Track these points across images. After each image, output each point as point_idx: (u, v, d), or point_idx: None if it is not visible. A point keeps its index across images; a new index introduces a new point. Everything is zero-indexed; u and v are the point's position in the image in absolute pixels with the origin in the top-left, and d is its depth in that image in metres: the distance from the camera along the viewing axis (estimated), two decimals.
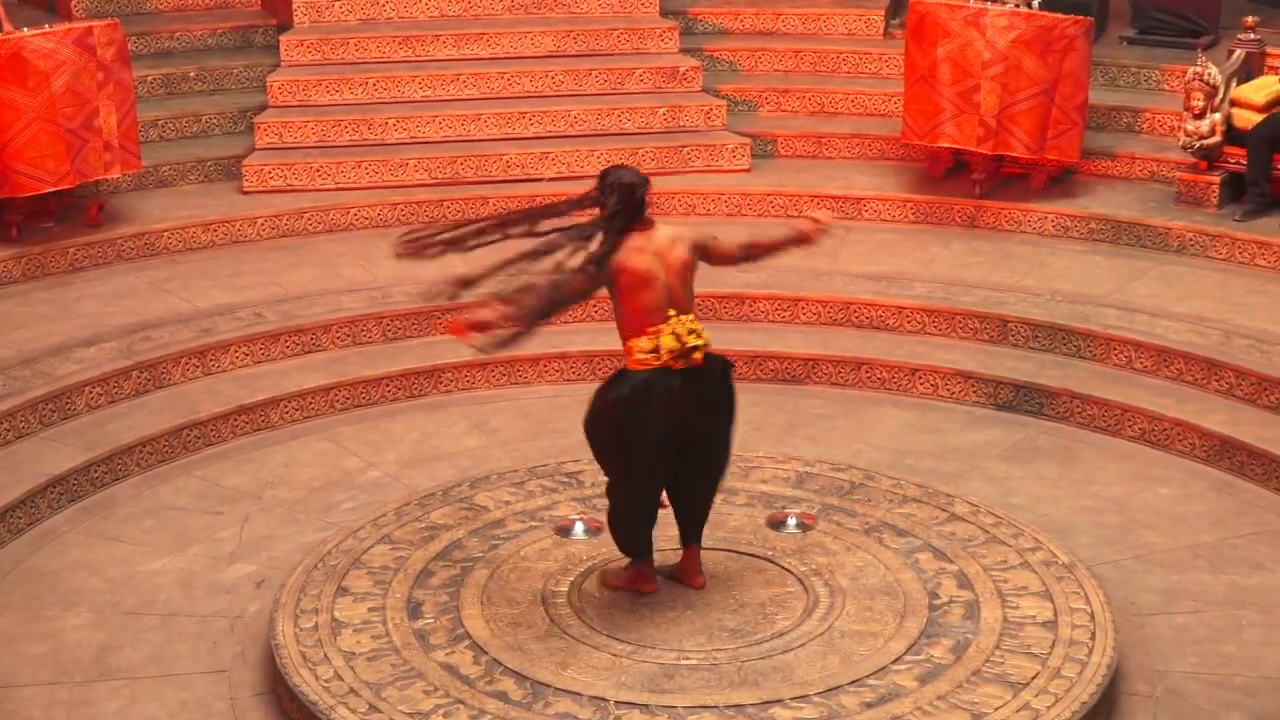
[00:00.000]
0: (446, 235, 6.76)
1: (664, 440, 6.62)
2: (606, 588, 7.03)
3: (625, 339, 6.65)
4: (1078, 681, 6.43)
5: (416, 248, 6.78)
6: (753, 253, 6.90)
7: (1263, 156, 10.35)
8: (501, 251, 6.62)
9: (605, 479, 6.92)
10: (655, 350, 6.55)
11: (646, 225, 6.61)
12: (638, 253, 6.54)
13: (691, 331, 6.55)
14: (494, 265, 6.53)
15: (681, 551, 7.05)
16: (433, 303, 6.77)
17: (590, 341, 9.40)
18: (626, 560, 7.04)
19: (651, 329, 6.55)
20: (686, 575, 7.03)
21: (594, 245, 6.54)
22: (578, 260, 6.52)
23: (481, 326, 6.36)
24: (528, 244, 6.59)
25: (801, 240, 6.87)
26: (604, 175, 6.66)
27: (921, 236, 10.77)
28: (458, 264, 6.79)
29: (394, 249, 6.88)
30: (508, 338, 6.39)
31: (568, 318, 9.73)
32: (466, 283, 6.58)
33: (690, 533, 7.01)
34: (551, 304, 6.48)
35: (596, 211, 6.62)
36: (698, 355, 6.60)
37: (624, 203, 6.55)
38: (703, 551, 7.10)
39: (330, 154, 11.18)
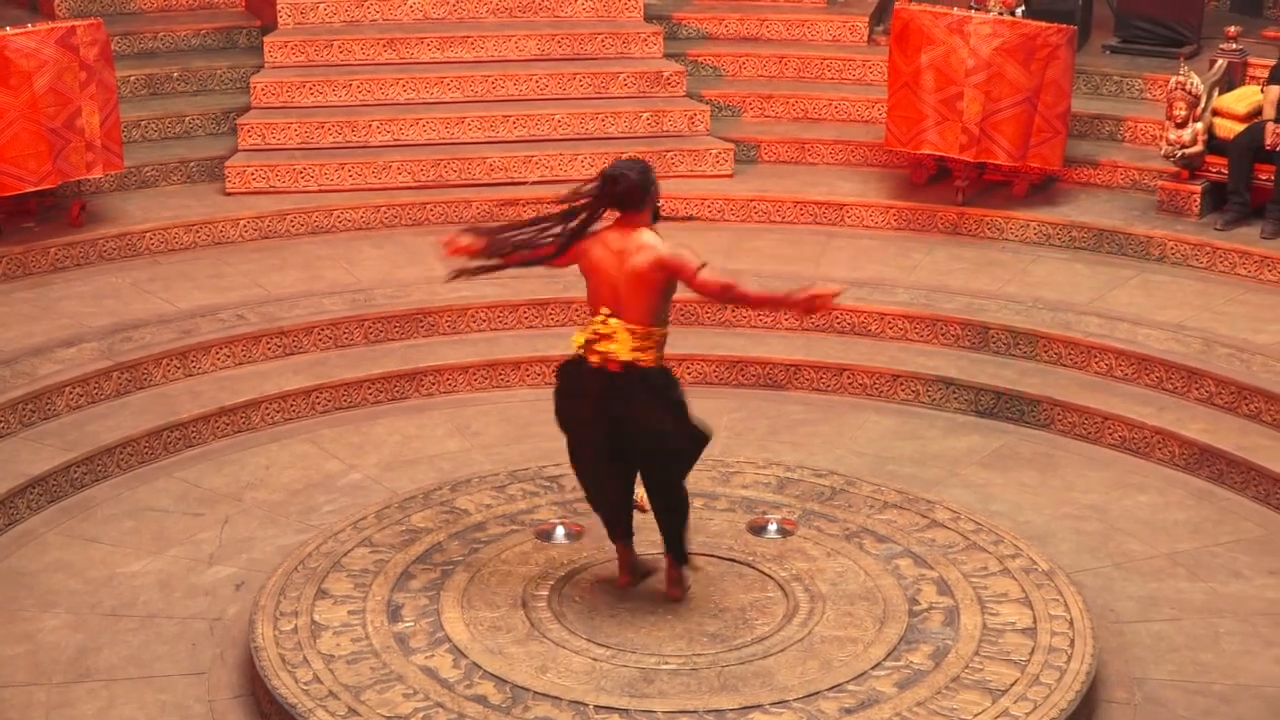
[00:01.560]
0: (486, 241, 6.80)
1: (582, 425, 6.78)
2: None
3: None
4: (1056, 688, 6.45)
5: (467, 264, 6.83)
6: (737, 299, 6.73)
7: (1244, 166, 10.38)
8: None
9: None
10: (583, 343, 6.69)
11: (629, 224, 6.62)
12: (601, 244, 6.61)
13: (603, 337, 6.58)
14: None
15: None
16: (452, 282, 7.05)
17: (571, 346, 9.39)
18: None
19: (590, 321, 6.65)
20: (664, 584, 7.06)
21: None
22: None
23: (466, 249, 6.73)
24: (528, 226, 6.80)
25: (798, 307, 6.56)
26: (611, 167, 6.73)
27: (904, 243, 10.78)
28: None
29: (448, 273, 6.91)
30: (480, 263, 6.78)
31: (551, 319, 9.78)
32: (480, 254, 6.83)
33: (665, 542, 7.01)
34: (520, 243, 6.73)
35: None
36: (594, 358, 6.62)
37: (601, 189, 6.62)
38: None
39: (313, 156, 11.17)
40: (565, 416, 6.89)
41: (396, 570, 7.23)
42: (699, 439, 6.81)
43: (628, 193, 6.60)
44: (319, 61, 11.74)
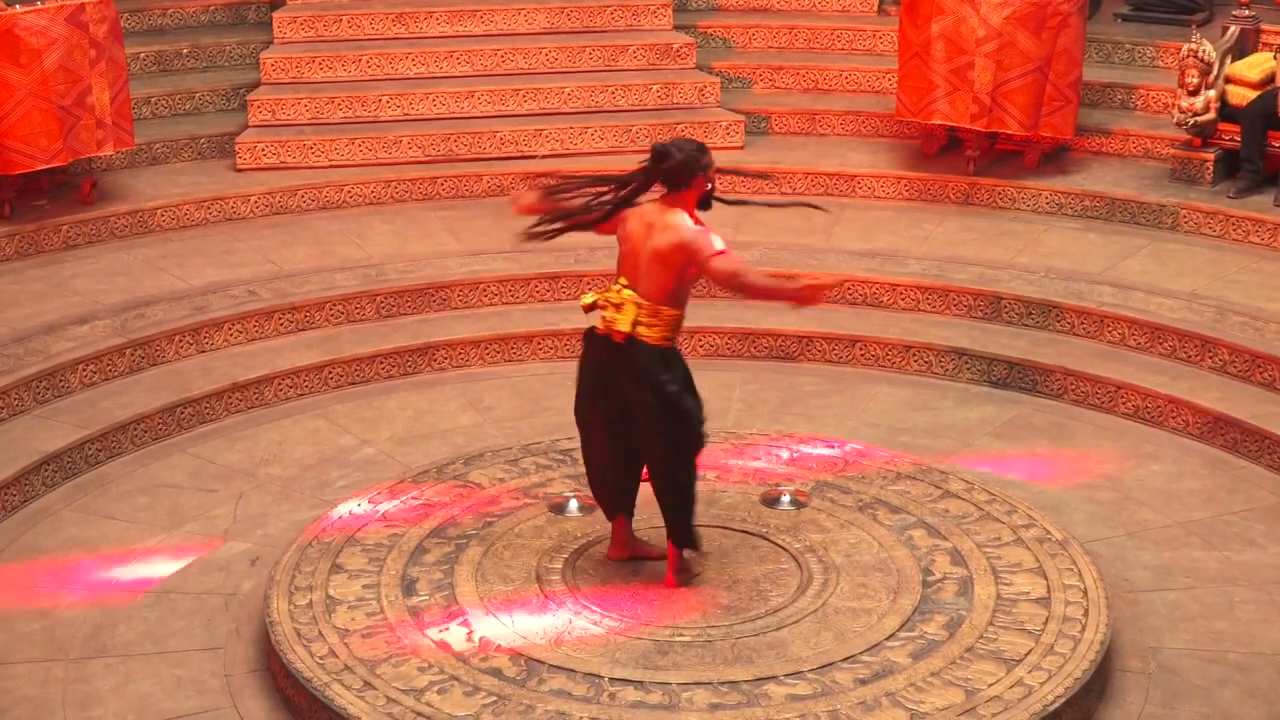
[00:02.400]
0: (549, 204, 6.87)
1: (585, 392, 6.82)
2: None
3: None
4: (1071, 658, 6.45)
5: (536, 226, 6.85)
6: (741, 287, 6.69)
7: (1257, 133, 10.34)
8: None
9: None
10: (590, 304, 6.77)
11: (670, 202, 6.62)
12: (638, 216, 6.64)
13: (611, 305, 6.63)
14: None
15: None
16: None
17: (585, 319, 9.38)
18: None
19: (607, 286, 6.71)
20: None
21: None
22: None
23: (531, 208, 6.82)
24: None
25: (797, 299, 6.74)
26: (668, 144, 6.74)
27: (915, 213, 10.76)
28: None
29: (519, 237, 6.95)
30: (544, 228, 6.80)
31: (563, 293, 9.78)
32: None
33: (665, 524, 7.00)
34: (576, 209, 6.78)
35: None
36: (599, 324, 6.70)
37: (649, 163, 6.66)
38: (697, 528, 7.12)
39: (323, 131, 11.16)
40: (578, 382, 6.91)
41: (410, 544, 7.24)
42: (684, 422, 6.69)
43: (673, 170, 6.60)
44: (328, 36, 11.72)
